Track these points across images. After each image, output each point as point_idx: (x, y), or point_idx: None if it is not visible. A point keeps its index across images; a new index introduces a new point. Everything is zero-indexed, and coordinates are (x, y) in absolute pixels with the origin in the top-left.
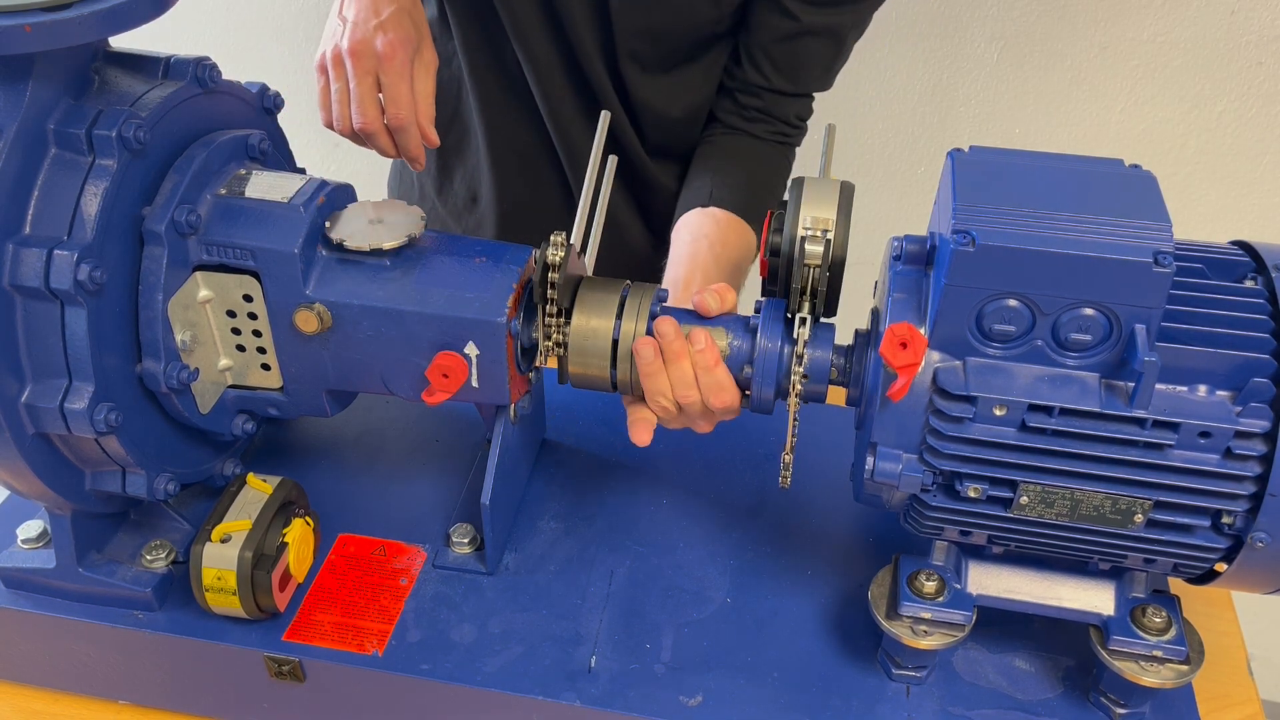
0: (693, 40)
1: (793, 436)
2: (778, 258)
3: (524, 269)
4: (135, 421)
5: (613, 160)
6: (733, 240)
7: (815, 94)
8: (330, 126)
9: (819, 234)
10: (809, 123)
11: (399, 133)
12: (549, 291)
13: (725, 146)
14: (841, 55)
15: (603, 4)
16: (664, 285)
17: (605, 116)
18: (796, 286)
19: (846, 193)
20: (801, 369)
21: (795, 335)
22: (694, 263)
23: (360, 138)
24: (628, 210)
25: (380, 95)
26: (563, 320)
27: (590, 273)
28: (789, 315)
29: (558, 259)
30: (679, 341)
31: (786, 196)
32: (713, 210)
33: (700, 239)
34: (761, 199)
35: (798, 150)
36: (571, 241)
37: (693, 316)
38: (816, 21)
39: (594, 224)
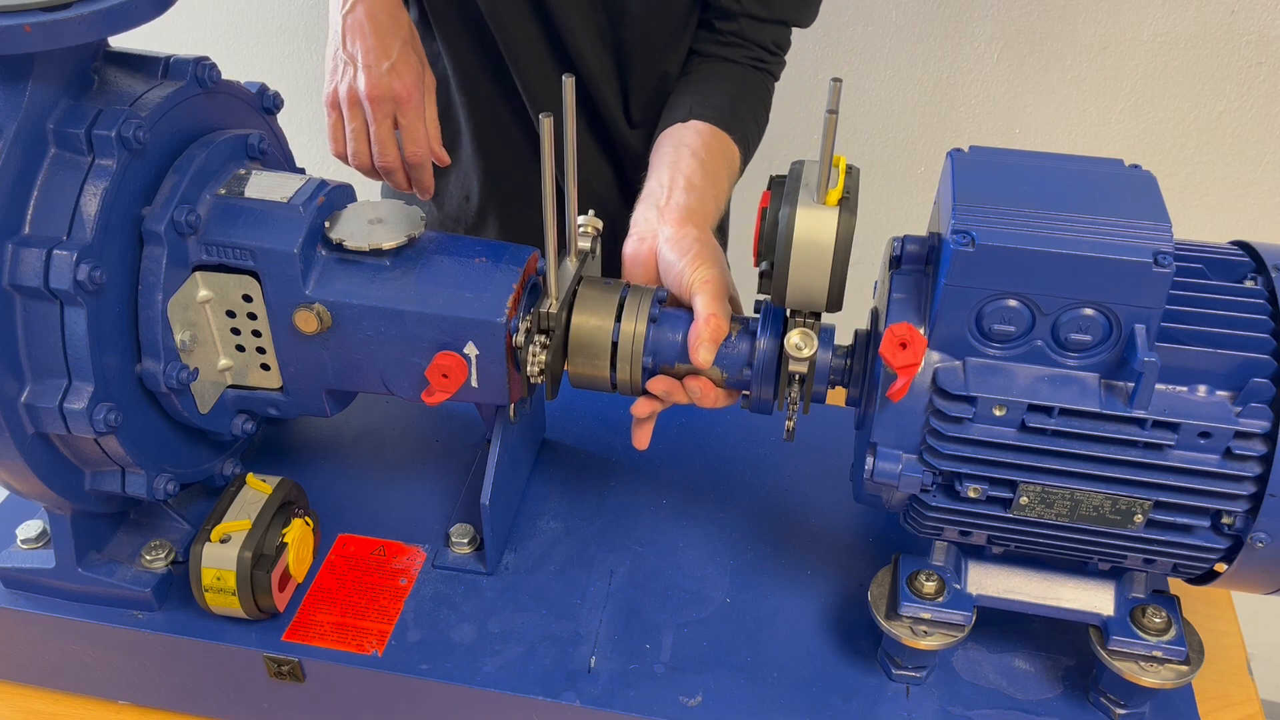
0: (686, 6)
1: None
2: (771, 245)
3: (524, 269)
4: (135, 421)
5: (547, 122)
6: (715, 148)
7: (794, 26)
8: (342, 159)
9: (802, 348)
10: (817, 115)
11: (415, 168)
12: (541, 338)
13: (703, 71)
14: None
15: None
16: (644, 195)
17: (568, 82)
18: (784, 385)
19: (848, 209)
20: (793, 424)
21: (785, 426)
22: (676, 169)
23: (376, 173)
24: (608, 183)
25: (396, 132)
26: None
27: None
28: (776, 408)
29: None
30: (676, 394)
31: (784, 208)
32: (692, 123)
33: (681, 147)
34: (741, 115)
35: (814, 138)
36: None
37: (688, 320)
38: None
39: (568, 205)
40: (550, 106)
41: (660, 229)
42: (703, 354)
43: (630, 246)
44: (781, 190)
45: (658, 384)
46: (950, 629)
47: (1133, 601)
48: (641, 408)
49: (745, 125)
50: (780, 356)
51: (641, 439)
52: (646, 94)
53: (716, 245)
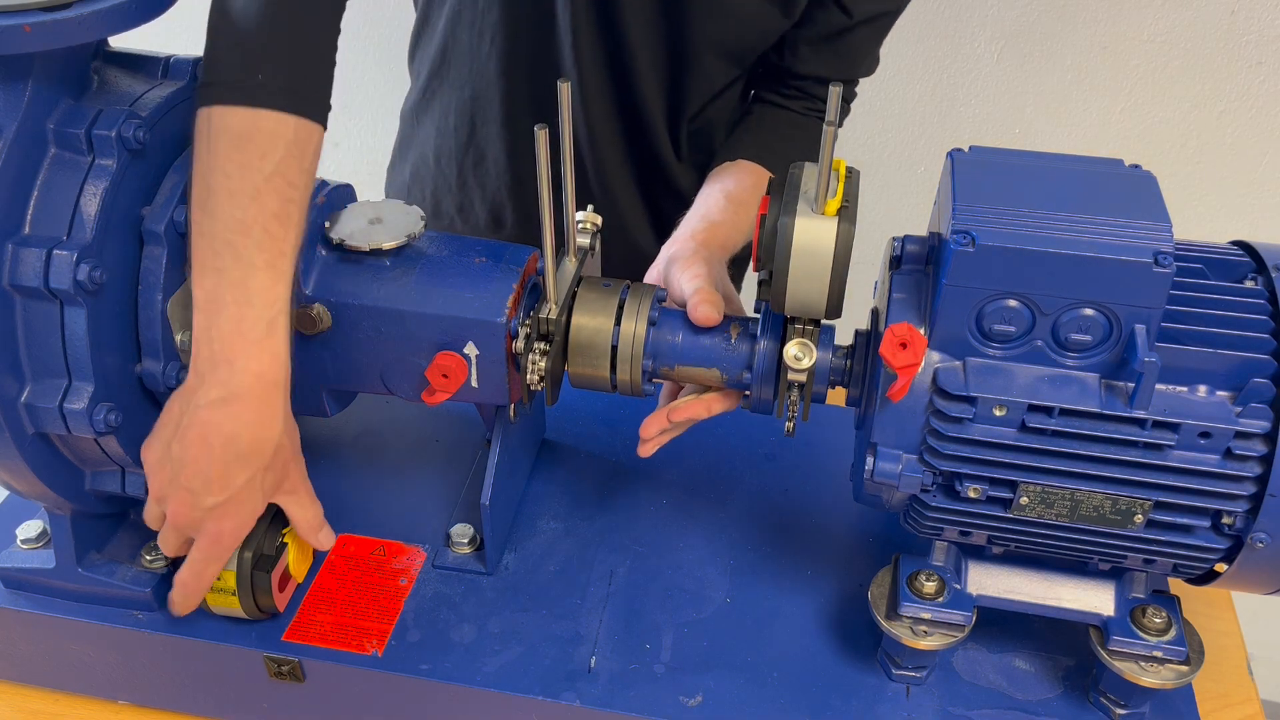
0: (757, 49)
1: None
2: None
3: (524, 269)
4: (135, 421)
5: (542, 133)
6: (748, 181)
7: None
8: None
9: (801, 359)
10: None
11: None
12: (541, 345)
13: (761, 115)
14: (884, 37)
15: (675, 18)
16: (676, 231)
17: (565, 88)
18: (783, 390)
19: (847, 216)
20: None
21: (784, 428)
22: (703, 204)
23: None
24: (642, 220)
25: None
26: (550, 346)
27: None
28: (775, 416)
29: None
30: (674, 430)
31: (783, 217)
32: (739, 161)
33: (714, 186)
34: (790, 155)
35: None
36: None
37: (687, 321)
38: (870, 9)
39: (566, 204)
40: (609, 145)
41: (668, 252)
42: (704, 310)
43: (648, 275)
44: (780, 196)
45: (651, 427)
46: (950, 629)
47: (1133, 601)
48: (650, 428)
49: (791, 159)
50: (780, 361)
51: (647, 450)
52: (696, 141)
53: (711, 252)
